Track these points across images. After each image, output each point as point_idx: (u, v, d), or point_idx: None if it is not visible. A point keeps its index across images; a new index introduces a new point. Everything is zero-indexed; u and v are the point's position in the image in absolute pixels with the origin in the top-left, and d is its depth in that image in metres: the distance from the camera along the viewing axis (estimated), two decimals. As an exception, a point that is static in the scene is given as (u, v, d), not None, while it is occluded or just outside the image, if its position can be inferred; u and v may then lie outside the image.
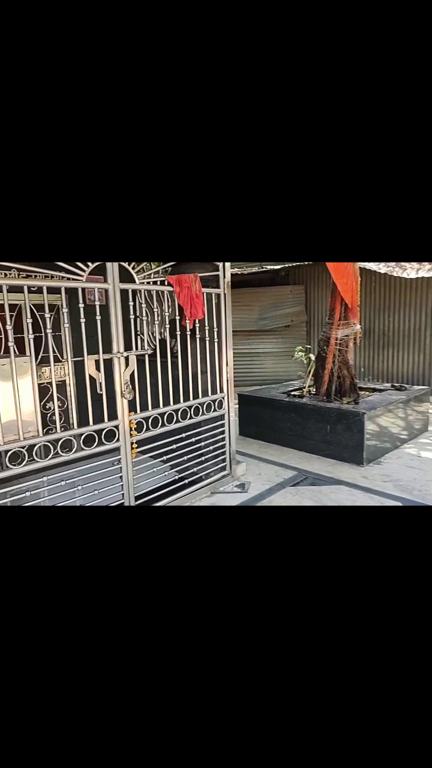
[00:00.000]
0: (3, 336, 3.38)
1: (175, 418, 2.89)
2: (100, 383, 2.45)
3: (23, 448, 2.14)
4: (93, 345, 2.40)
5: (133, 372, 2.60)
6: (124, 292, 2.51)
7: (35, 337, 2.24)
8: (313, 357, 4.86)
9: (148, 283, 2.76)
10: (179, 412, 2.93)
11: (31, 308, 2.28)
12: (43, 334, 2.34)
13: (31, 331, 2.22)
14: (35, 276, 2.35)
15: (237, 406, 4.79)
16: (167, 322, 3.21)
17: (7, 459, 2.11)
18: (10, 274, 3.20)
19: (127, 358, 2.54)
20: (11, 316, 2.23)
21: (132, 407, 2.63)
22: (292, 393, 4.75)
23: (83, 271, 2.33)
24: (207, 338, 3.14)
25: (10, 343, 2.13)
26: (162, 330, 3.38)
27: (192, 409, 3.04)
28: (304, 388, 4.84)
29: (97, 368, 2.43)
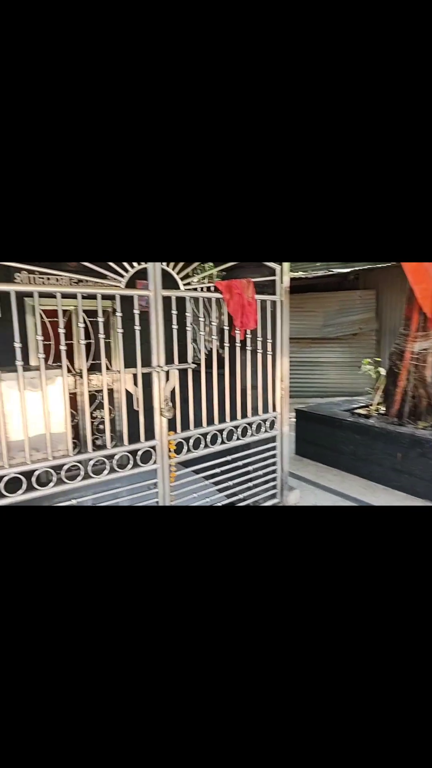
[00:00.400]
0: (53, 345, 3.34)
1: (219, 438, 2.60)
2: (138, 399, 2.23)
3: (52, 468, 1.98)
4: (131, 356, 2.20)
5: (174, 387, 2.36)
6: (167, 300, 2.28)
7: (67, 347, 2.07)
8: (383, 371, 4.32)
9: (195, 289, 2.50)
10: (224, 433, 2.63)
11: (69, 316, 2.12)
12: (79, 342, 2.17)
13: (82, 338, 2.06)
14: (78, 282, 2.19)
15: (294, 420, 4.39)
16: (215, 332, 2.94)
17: (34, 480, 1.96)
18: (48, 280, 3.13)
19: (167, 373, 2.31)
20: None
21: (172, 426, 2.39)
22: (357, 411, 4.25)
23: (121, 276, 2.13)
24: (260, 350, 2.82)
25: (61, 349, 1.98)
26: (208, 341, 3.12)
27: (239, 430, 2.73)
28: (372, 406, 4.31)
29: (135, 383, 2.22)
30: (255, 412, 2.89)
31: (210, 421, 2.61)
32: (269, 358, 2.89)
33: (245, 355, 2.76)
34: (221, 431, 2.62)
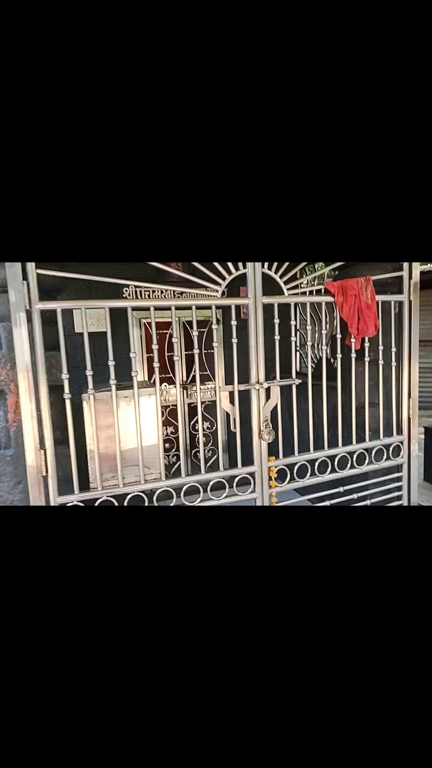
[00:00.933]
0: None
1: (330, 466, 2.22)
2: (235, 419, 2.00)
3: (144, 492, 1.86)
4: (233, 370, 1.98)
5: (277, 405, 2.06)
6: (269, 308, 2.01)
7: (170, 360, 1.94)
8: None
9: (303, 293, 2.17)
10: (336, 460, 2.24)
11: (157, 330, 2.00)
12: (181, 356, 2.03)
13: (176, 352, 1.93)
14: (181, 294, 2.06)
15: (422, 437, 3.70)
16: (325, 341, 2.55)
17: (126, 503, 1.86)
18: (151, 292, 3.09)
19: (268, 390, 2.03)
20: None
21: (274, 450, 2.10)
22: None
23: (218, 285, 1.93)
24: (381, 361, 2.36)
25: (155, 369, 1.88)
26: (317, 351, 2.73)
27: (355, 456, 2.30)
28: None
29: (232, 401, 1.99)
30: (375, 434, 2.43)
31: (319, 445, 2.25)
32: (393, 369, 2.40)
33: (362, 366, 2.32)
34: (332, 458, 2.23)
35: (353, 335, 2.21)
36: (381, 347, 2.33)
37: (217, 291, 1.92)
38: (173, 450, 3.60)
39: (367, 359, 2.29)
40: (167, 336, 3.47)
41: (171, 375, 3.54)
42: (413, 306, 2.36)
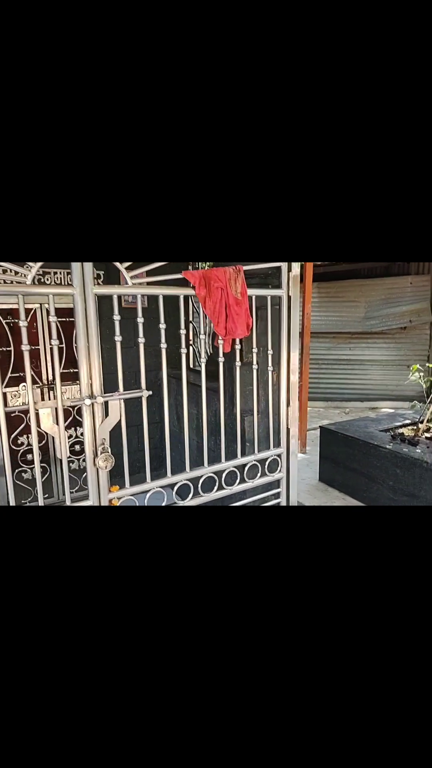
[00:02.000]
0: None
1: (192, 491, 1.88)
2: (60, 443, 1.56)
3: None
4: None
5: (120, 423, 1.66)
6: (107, 301, 1.57)
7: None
8: (436, 381, 3.37)
9: (157, 283, 1.75)
10: (200, 482, 1.90)
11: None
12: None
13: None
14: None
15: (317, 436, 3.57)
16: (203, 341, 2.19)
17: None
18: None
19: (106, 405, 1.61)
20: None
21: (117, 477, 1.70)
22: (401, 433, 3.34)
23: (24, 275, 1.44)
24: (255, 365, 2.05)
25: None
26: (209, 347, 2.36)
27: (223, 475, 1.99)
28: (421, 425, 3.39)
29: (57, 420, 1.54)
30: (250, 448, 2.14)
31: (178, 466, 1.89)
32: (270, 375, 2.11)
33: (246, 369, 1.99)
34: (195, 480, 1.89)
35: (220, 336, 1.86)
36: (255, 349, 2.02)
37: (25, 277, 1.44)
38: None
39: (237, 364, 1.96)
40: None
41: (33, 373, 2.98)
42: (292, 302, 2.07)
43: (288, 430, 2.19)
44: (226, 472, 1.99)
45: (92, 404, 1.56)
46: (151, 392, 1.72)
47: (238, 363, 1.96)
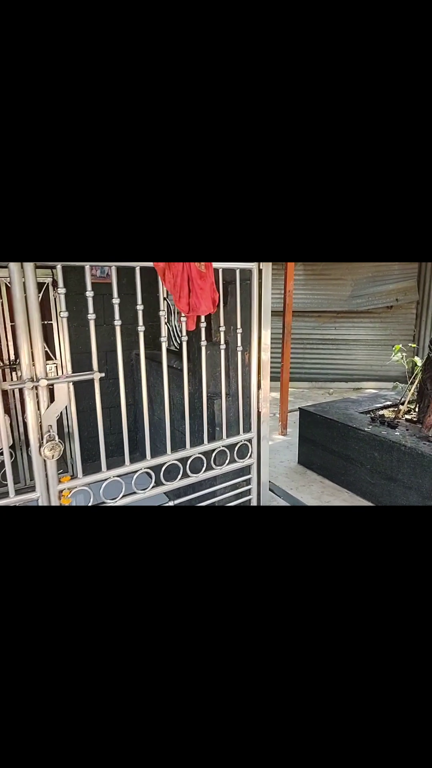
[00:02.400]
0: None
1: (153, 480, 1.75)
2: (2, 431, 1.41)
3: None
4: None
5: (68, 407, 1.51)
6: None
7: None
8: (419, 362, 3.27)
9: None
10: (161, 471, 1.78)
11: None
12: None
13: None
14: None
15: (297, 419, 3.48)
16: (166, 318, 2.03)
17: None
18: None
19: (51, 390, 1.46)
20: None
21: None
22: (381, 415, 3.26)
23: None
24: (222, 346, 1.91)
25: None
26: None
27: (188, 462, 1.87)
28: (402, 406, 3.31)
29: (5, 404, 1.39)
30: (219, 433, 2.02)
31: (177, 442, 1.77)
32: (239, 356, 1.97)
33: (214, 349, 1.85)
34: (158, 468, 1.77)
35: (183, 312, 1.70)
36: (222, 327, 1.87)
37: None
38: None
39: (203, 343, 1.82)
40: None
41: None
42: (264, 277, 1.92)
43: (259, 413, 2.07)
44: (191, 458, 1.87)
45: (35, 388, 1.40)
46: (103, 374, 1.57)
47: (203, 342, 1.82)
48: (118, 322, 1.58)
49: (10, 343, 2.77)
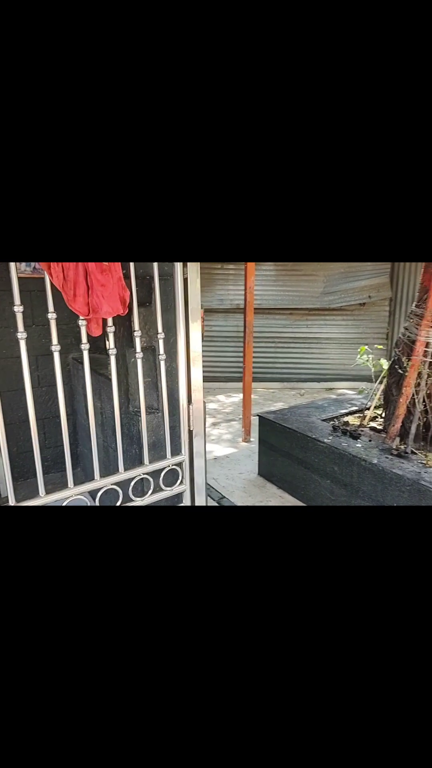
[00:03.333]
0: None
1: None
2: None
3: None
4: None
5: None
6: None
7: None
8: (385, 364, 3.02)
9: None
10: (97, 496, 1.46)
11: None
12: None
13: None
14: None
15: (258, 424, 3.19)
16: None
17: None
18: None
19: None
20: None
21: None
22: (344, 423, 3.00)
23: None
24: (138, 354, 1.59)
25: None
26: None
27: (98, 496, 1.55)
28: (367, 412, 3.06)
29: None
30: (158, 451, 1.70)
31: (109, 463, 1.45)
32: (163, 364, 1.66)
33: (112, 359, 1.53)
34: (95, 492, 1.45)
35: (80, 316, 1.38)
36: (137, 332, 1.56)
37: None
38: None
39: (111, 351, 1.50)
40: None
41: None
42: (192, 275, 1.60)
43: (190, 432, 1.76)
44: (101, 491, 1.55)
45: None
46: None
47: (112, 350, 1.50)
48: (52, 315, 1.29)
49: None
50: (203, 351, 1.72)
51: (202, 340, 1.97)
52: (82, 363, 1.47)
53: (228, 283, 6.13)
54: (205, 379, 1.78)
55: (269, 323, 6.08)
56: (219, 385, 5.96)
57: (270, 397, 5.68)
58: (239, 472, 3.39)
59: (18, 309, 1.28)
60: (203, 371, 1.73)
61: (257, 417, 3.35)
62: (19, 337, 1.30)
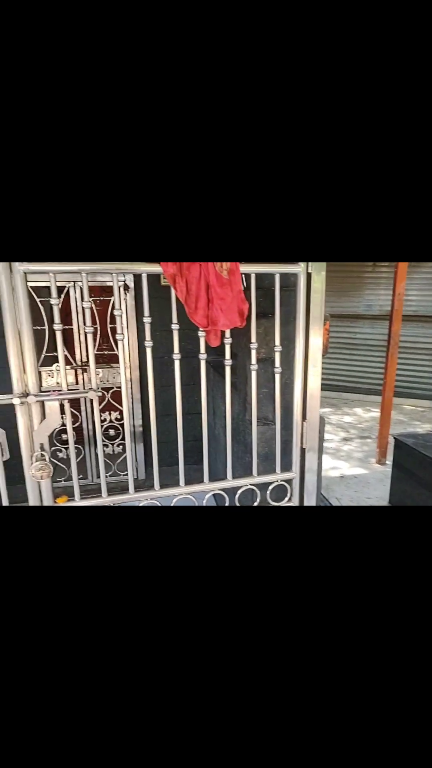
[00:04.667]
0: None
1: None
2: (0, 444, 1.38)
3: None
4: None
5: (65, 424, 1.42)
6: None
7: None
8: None
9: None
10: (172, 502, 1.57)
11: None
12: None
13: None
14: None
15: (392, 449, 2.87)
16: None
17: None
18: None
19: (42, 406, 1.37)
20: None
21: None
22: None
23: None
24: (253, 365, 1.59)
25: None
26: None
27: (205, 499, 1.61)
28: None
29: (-7, 418, 1.36)
30: (269, 464, 1.71)
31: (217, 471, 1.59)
32: (278, 376, 1.62)
33: (227, 369, 1.57)
34: (167, 500, 1.56)
35: (200, 327, 1.45)
36: (253, 344, 1.56)
37: None
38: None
39: (227, 362, 1.54)
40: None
41: (67, 354, 2.93)
42: (314, 282, 1.53)
43: (303, 450, 1.69)
44: (208, 495, 1.61)
45: (24, 404, 1.33)
46: (100, 393, 1.43)
47: (228, 361, 1.54)
48: (175, 326, 1.46)
49: (83, 346, 2.88)
50: (343, 360, 1.65)
51: (327, 351, 1.87)
52: (213, 367, 1.55)
53: (379, 287, 5.67)
54: (344, 390, 1.69)
55: (425, 332, 5.40)
56: (359, 397, 5.55)
57: (417, 416, 5.04)
58: (367, 497, 3.10)
59: (147, 320, 1.42)
60: (342, 381, 1.65)
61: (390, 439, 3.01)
62: (146, 345, 1.44)
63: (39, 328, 2.84)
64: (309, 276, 1.53)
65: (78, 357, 2.90)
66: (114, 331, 2.80)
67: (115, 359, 2.95)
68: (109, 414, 3.04)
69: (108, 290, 2.93)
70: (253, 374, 1.58)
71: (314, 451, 1.71)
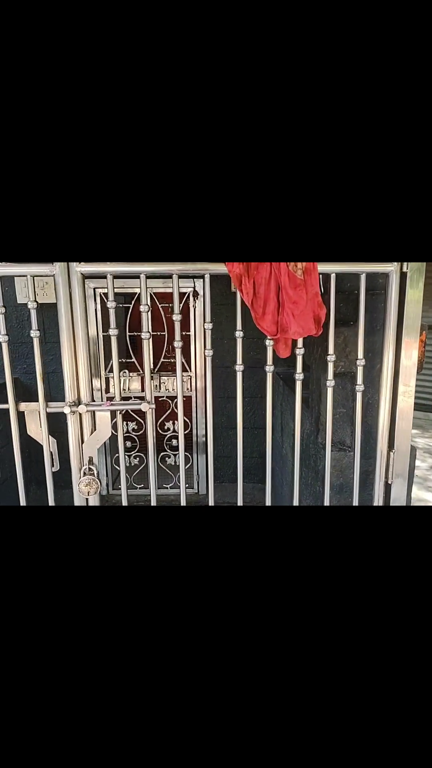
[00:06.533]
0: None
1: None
2: (51, 453, 1.32)
3: None
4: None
5: (113, 437, 1.31)
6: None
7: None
8: None
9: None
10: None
11: None
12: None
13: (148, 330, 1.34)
14: None
15: None
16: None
17: None
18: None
19: (93, 415, 1.28)
20: None
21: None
22: None
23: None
24: (329, 381, 1.36)
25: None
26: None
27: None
28: None
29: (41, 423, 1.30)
30: (343, 494, 1.47)
31: (280, 494, 1.42)
32: (359, 394, 1.37)
33: (341, 384, 1.36)
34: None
35: (268, 336, 1.27)
36: (331, 356, 1.32)
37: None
38: (135, 450, 3.02)
39: (298, 376, 1.32)
40: (129, 311, 2.85)
41: (134, 361, 2.91)
42: (410, 285, 1.26)
43: (387, 485, 1.41)
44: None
45: (75, 413, 1.25)
46: (153, 406, 1.30)
47: (299, 375, 1.32)
48: (239, 334, 1.30)
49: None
50: None
51: (423, 368, 1.57)
52: (283, 380, 1.36)
53: None
54: None
55: None
56: (451, 420, 4.90)
57: None
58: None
59: (208, 326, 1.28)
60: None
61: None
62: (206, 354, 1.30)
63: (105, 334, 2.89)
64: (403, 277, 1.26)
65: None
66: (185, 339, 2.73)
67: (184, 367, 2.88)
68: (173, 423, 2.96)
69: (180, 296, 2.88)
70: (329, 391, 1.35)
71: (402, 486, 1.42)
